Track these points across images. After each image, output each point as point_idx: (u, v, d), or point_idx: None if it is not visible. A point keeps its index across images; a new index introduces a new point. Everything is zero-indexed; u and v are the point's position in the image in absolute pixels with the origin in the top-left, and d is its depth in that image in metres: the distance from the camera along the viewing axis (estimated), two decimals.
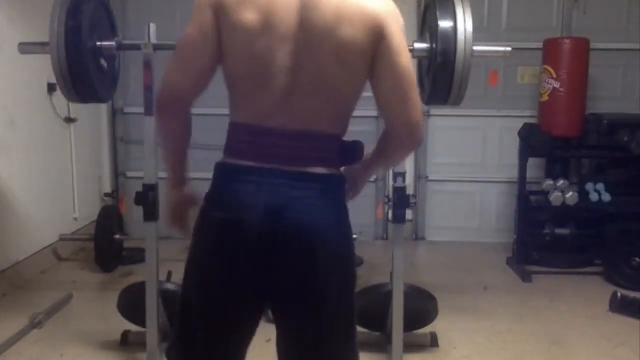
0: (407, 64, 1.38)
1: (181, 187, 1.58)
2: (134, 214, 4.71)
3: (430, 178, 5.04)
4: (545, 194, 4.20)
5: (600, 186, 4.20)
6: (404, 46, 1.38)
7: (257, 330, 1.52)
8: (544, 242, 4.25)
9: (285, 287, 1.40)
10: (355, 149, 1.49)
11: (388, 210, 4.02)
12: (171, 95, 1.43)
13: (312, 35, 1.33)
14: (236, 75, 1.41)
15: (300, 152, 1.38)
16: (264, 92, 1.36)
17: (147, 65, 2.54)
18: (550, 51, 4.26)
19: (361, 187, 1.64)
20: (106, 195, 4.98)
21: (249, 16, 1.33)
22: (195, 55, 1.40)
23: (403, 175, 2.58)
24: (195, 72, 1.41)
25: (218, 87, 1.53)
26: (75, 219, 4.52)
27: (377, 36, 1.34)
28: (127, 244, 4.28)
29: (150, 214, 2.58)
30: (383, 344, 2.81)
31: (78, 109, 4.30)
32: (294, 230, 1.35)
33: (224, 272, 1.40)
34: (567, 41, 4.26)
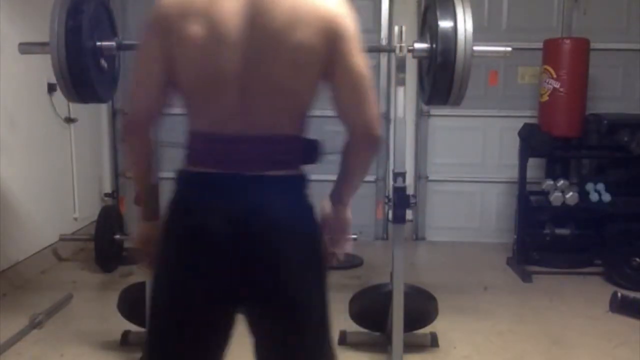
0: (364, 65, 1.37)
1: (150, 219, 1.55)
2: (134, 214, 4.70)
3: (430, 178, 5.04)
4: (545, 194, 4.20)
5: (600, 186, 4.20)
6: (360, 48, 1.38)
7: (230, 340, 1.47)
8: (544, 242, 4.25)
9: (254, 289, 1.36)
10: (315, 146, 1.46)
11: (388, 210, 4.02)
12: (136, 118, 1.46)
13: (263, 39, 1.31)
14: (188, 86, 1.40)
15: (259, 157, 1.36)
16: (218, 99, 1.35)
17: None
18: (550, 51, 4.26)
19: (345, 227, 1.54)
20: (106, 195, 4.98)
21: (194, 28, 1.33)
22: (148, 77, 1.42)
23: (403, 175, 2.58)
24: (152, 92, 1.42)
25: None
26: (75, 219, 4.52)
27: (332, 38, 1.32)
28: (127, 244, 4.28)
29: None
30: (383, 344, 2.81)
31: (78, 109, 4.30)
32: (257, 233, 1.33)
33: (190, 280, 1.36)
34: (567, 41, 4.26)
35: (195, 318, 1.39)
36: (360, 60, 1.36)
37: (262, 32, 1.31)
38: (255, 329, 1.45)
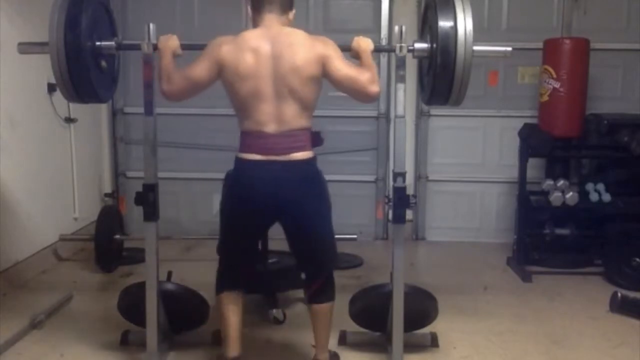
0: (347, 69, 2.28)
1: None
2: (134, 214, 4.71)
3: (430, 178, 5.04)
4: (545, 194, 4.20)
5: (600, 186, 4.20)
6: (341, 59, 2.29)
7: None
8: (544, 242, 4.25)
9: (288, 210, 2.35)
10: (318, 135, 2.50)
11: (388, 210, 4.02)
12: (169, 94, 2.37)
13: (284, 67, 2.23)
14: (241, 100, 2.29)
15: (286, 145, 2.29)
16: (260, 108, 2.27)
17: (147, 66, 2.54)
18: (550, 51, 4.26)
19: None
20: (106, 195, 4.99)
21: (245, 60, 2.24)
22: (195, 81, 2.33)
23: (403, 175, 2.58)
24: (191, 89, 2.36)
25: (215, 89, 2.37)
26: (75, 219, 4.52)
27: (324, 64, 2.26)
28: (127, 244, 4.28)
29: (150, 214, 2.58)
30: (383, 344, 2.81)
31: (78, 109, 4.30)
32: (288, 190, 2.30)
33: (247, 212, 2.39)
34: (567, 41, 4.26)
35: (247, 227, 2.46)
36: (344, 69, 2.28)
37: (283, 63, 2.22)
38: (287, 226, 2.42)
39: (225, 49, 2.25)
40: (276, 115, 2.26)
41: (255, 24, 2.36)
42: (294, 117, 2.28)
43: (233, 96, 2.31)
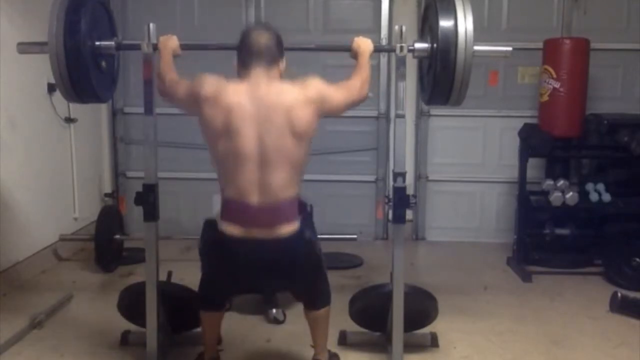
0: (340, 96, 2.23)
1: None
2: (134, 214, 4.71)
3: (430, 178, 5.04)
4: (545, 194, 4.20)
5: (600, 186, 4.20)
6: (333, 91, 2.20)
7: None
8: (544, 242, 4.25)
9: (275, 278, 2.39)
10: (305, 207, 2.26)
11: (388, 210, 4.02)
12: (163, 94, 2.36)
13: (271, 123, 2.04)
14: (219, 160, 2.14)
15: (271, 219, 2.10)
16: (241, 173, 2.07)
17: (147, 65, 2.53)
18: (550, 51, 4.25)
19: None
20: (106, 195, 4.99)
21: (223, 108, 2.07)
22: (178, 98, 2.28)
23: (403, 175, 2.58)
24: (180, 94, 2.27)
25: None
26: (75, 219, 4.52)
27: (320, 102, 2.13)
28: (127, 244, 4.28)
29: (150, 214, 2.58)
30: (383, 344, 2.81)
31: (78, 109, 4.30)
32: (275, 267, 2.22)
33: (232, 273, 2.30)
34: (567, 41, 4.25)
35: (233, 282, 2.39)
36: (338, 97, 2.21)
37: (268, 117, 2.04)
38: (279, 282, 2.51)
39: (216, 86, 2.11)
40: (260, 184, 2.07)
41: (241, 78, 2.16)
42: (281, 186, 2.09)
43: (211, 151, 2.16)
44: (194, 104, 2.14)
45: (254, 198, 2.08)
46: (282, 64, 2.22)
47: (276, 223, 2.10)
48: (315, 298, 2.47)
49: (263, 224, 2.09)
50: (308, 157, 2.17)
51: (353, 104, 2.31)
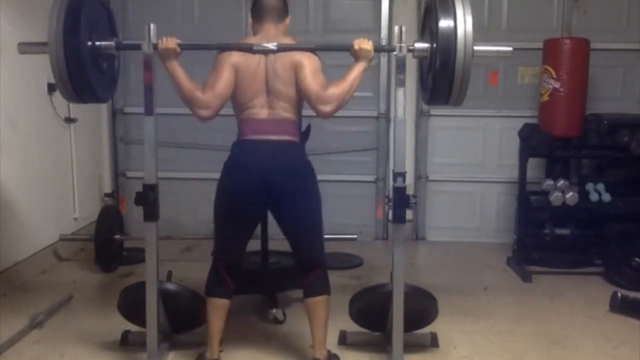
0: (310, 80, 2.47)
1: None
2: (134, 214, 4.71)
3: (430, 178, 5.04)
4: (545, 194, 4.20)
5: (600, 186, 4.20)
6: (312, 71, 2.48)
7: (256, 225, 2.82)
8: (544, 242, 4.25)
9: (276, 192, 2.53)
10: (308, 129, 2.74)
11: (388, 210, 4.02)
12: (208, 118, 2.55)
13: (274, 73, 2.50)
14: (242, 96, 2.54)
15: (277, 129, 2.54)
16: (256, 100, 2.54)
17: (148, 65, 2.53)
18: (550, 51, 4.25)
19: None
20: (106, 195, 4.99)
21: (247, 67, 2.51)
22: (227, 94, 2.53)
23: (403, 175, 2.58)
24: (223, 103, 2.54)
25: None
26: (75, 219, 4.52)
27: (297, 69, 2.49)
28: (127, 244, 4.28)
29: (150, 214, 2.58)
30: (383, 344, 2.81)
31: (78, 109, 4.30)
32: (277, 167, 2.51)
33: (239, 190, 2.54)
34: (567, 41, 4.26)
35: (242, 211, 2.59)
36: (310, 79, 2.47)
37: (273, 70, 2.50)
38: (278, 214, 2.62)
39: (236, 55, 2.51)
40: (268, 106, 2.54)
41: (255, 32, 2.63)
42: (282, 108, 2.54)
43: (238, 93, 2.54)
44: (233, 70, 2.50)
45: (263, 114, 2.53)
46: (287, 21, 2.67)
47: (281, 132, 2.54)
48: (309, 254, 2.60)
49: (271, 131, 2.53)
50: (302, 99, 2.55)
51: (309, 104, 2.51)
